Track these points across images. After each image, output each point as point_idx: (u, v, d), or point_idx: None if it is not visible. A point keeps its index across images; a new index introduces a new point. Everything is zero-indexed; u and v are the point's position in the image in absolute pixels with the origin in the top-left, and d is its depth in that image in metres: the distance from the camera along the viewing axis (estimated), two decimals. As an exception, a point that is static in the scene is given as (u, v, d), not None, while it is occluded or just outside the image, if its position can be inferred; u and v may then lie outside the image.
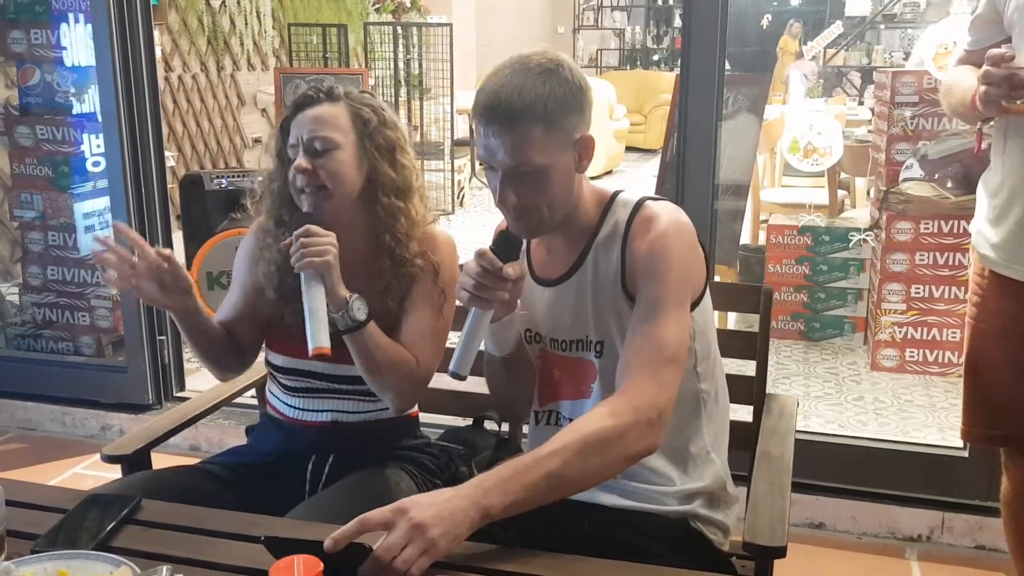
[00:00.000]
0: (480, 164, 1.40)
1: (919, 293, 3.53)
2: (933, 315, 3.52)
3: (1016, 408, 1.67)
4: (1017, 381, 1.63)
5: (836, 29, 2.84)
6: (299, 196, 1.56)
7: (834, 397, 3.38)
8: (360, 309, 1.51)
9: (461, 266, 1.57)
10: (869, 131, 4.53)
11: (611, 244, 1.42)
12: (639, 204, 1.43)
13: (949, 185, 3.47)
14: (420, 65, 6.25)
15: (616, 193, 1.47)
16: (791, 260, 3.95)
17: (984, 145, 1.67)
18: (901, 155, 3.59)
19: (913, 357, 3.57)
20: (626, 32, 12.79)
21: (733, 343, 1.86)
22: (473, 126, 1.39)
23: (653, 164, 8.49)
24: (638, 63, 12.19)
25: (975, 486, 2.41)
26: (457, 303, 1.49)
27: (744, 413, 1.75)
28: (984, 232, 1.64)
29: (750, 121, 3.96)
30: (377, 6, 6.44)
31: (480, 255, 1.36)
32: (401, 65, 6.13)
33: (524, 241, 1.48)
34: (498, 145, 1.32)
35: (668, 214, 1.40)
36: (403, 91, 6.20)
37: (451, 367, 1.39)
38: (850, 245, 3.81)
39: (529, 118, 1.31)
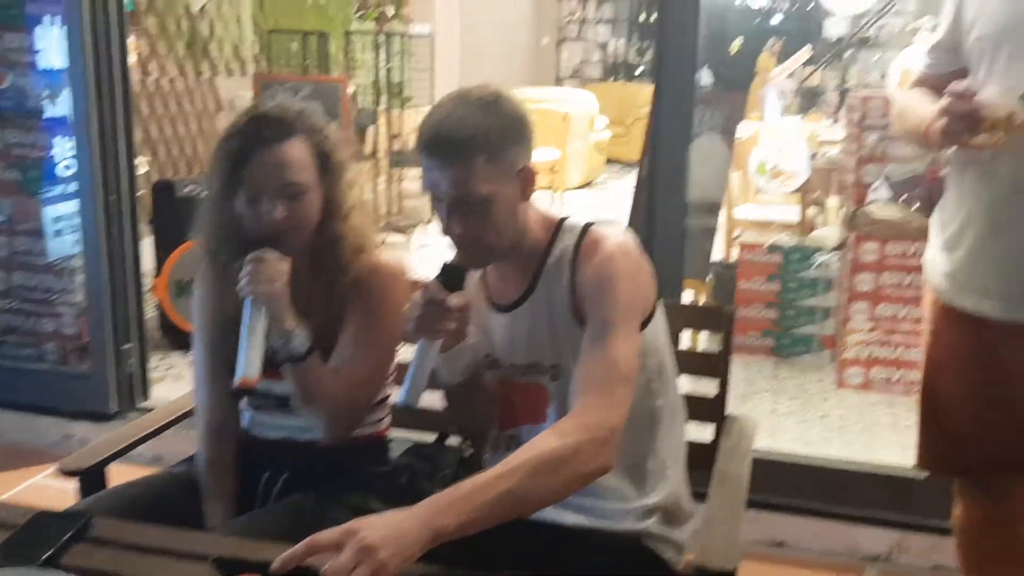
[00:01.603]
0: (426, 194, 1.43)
1: (885, 313, 3.58)
2: (898, 335, 3.57)
3: (969, 439, 1.67)
4: (969, 413, 1.63)
5: (804, 54, 2.88)
6: (262, 235, 1.52)
7: (801, 414, 3.42)
8: (302, 342, 1.51)
9: (416, 285, 1.59)
10: (842, 151, 4.60)
11: (560, 269, 1.46)
12: (585, 229, 1.47)
13: (915, 207, 3.52)
14: (402, 74, 6.26)
15: (563, 219, 1.51)
16: (762, 277, 3.98)
17: (942, 172, 1.69)
18: (869, 176, 3.65)
19: (879, 376, 3.61)
20: (609, 45, 12.85)
21: (697, 363, 1.90)
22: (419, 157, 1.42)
23: (634, 175, 8.55)
24: (621, 76, 12.25)
25: (933, 506, 2.44)
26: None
27: (708, 432, 1.77)
28: (936, 261, 1.65)
29: (724, 139, 4.00)
30: (360, 14, 6.45)
31: (424, 287, 1.39)
32: (383, 74, 6.14)
33: (474, 270, 1.51)
34: (442, 176, 1.36)
35: (614, 237, 1.44)
36: (384, 99, 6.21)
37: (399, 398, 1.42)
38: (812, 268, 3.85)
39: (472, 149, 1.34)
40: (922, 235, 3.39)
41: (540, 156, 6.99)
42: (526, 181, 1.42)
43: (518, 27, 11.15)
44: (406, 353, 1.56)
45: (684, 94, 2.68)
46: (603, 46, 12.80)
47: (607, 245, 1.43)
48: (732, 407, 1.81)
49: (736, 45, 10.82)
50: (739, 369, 3.84)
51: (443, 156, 1.35)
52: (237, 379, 1.42)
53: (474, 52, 8.92)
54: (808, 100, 9.53)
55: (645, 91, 10.42)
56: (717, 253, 4.73)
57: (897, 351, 3.59)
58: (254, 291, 1.47)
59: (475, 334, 1.51)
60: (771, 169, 2.82)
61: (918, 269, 3.50)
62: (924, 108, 1.58)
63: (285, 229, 1.51)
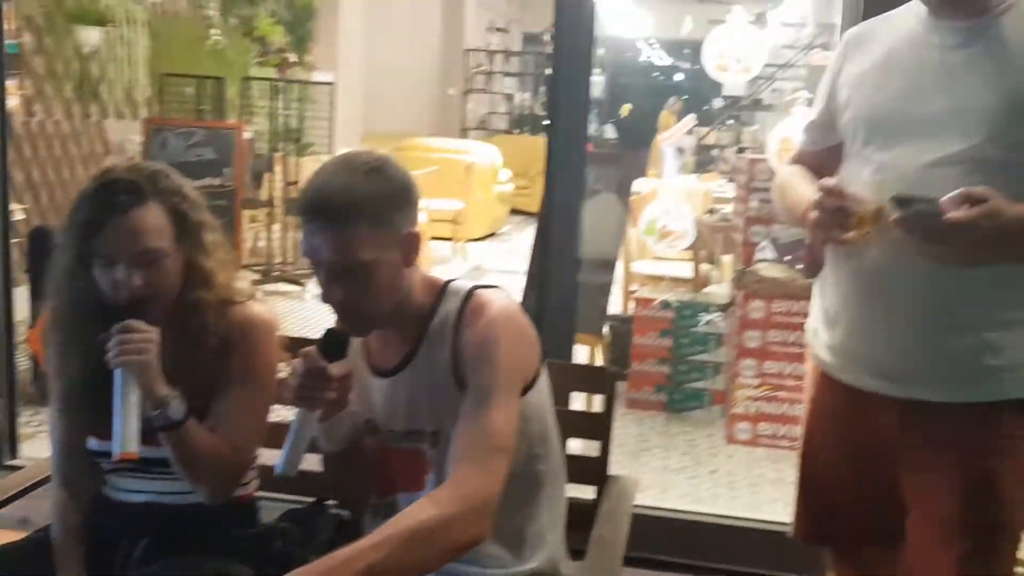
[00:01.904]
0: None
1: (771, 369, 3.69)
2: (784, 390, 3.68)
3: (842, 509, 1.68)
4: (843, 482, 1.64)
5: (689, 121, 2.99)
6: (121, 304, 1.47)
7: (692, 470, 3.47)
8: (178, 409, 1.47)
9: (290, 342, 1.55)
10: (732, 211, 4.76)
11: (443, 334, 1.45)
12: (470, 293, 1.46)
13: (799, 267, 3.66)
14: (301, 121, 6.21)
15: (448, 282, 1.50)
16: (655, 333, 4.06)
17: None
18: (756, 236, 3.78)
19: (765, 431, 3.70)
20: (516, 97, 13.08)
21: (581, 424, 1.90)
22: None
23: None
24: (527, 128, 12.46)
25: (812, 564, 2.49)
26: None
27: (590, 491, 1.77)
28: (818, 333, 1.66)
29: (620, 195, 4.10)
30: (260, 60, 6.38)
31: (304, 355, 1.36)
32: (281, 120, 6.08)
33: (356, 337, 1.49)
34: (322, 242, 1.35)
35: (497, 302, 1.44)
36: (282, 146, 6.14)
37: (277, 468, 1.38)
38: (699, 325, 3.95)
39: (354, 215, 1.33)
40: (805, 294, 3.54)
41: (442, 206, 7.03)
42: (410, 247, 1.41)
43: (424, 77, 11.24)
44: (284, 413, 1.53)
45: (576, 149, 2.72)
46: (509, 98, 13.03)
47: (490, 310, 1.43)
48: (624, 464, 1.82)
49: (625, 110, 11.19)
50: (632, 425, 3.88)
51: (324, 221, 1.34)
52: (116, 453, 1.39)
53: (378, 100, 8.93)
54: (706, 158, 9.89)
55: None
56: (616, 307, 4.81)
57: (783, 407, 3.69)
58: (124, 363, 1.42)
59: (355, 400, 1.49)
60: (660, 229, 2.89)
61: (802, 327, 3.66)
62: (800, 189, 1.61)
63: (144, 297, 1.47)
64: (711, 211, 6.23)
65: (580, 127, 2.72)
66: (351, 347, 1.46)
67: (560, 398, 2.18)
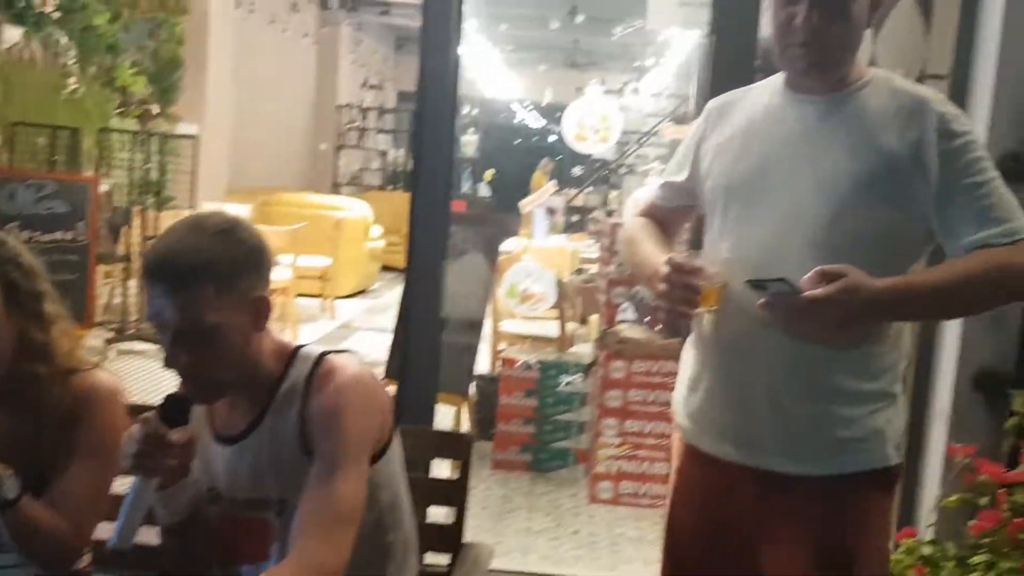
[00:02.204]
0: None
1: (632, 428, 3.76)
2: (644, 449, 3.75)
3: None
4: (708, 556, 1.62)
5: (550, 188, 3.07)
6: None
7: (554, 531, 3.47)
8: (11, 487, 1.40)
9: (134, 409, 1.48)
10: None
11: (291, 400, 1.42)
12: (319, 359, 1.44)
13: (659, 328, 3.77)
14: (162, 174, 6.02)
15: (299, 348, 1.48)
16: (521, 392, 4.08)
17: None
18: (619, 298, 3.88)
19: (627, 490, 3.76)
20: (389, 154, 13.11)
21: (435, 491, 1.88)
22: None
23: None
24: (400, 185, 12.47)
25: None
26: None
27: (444, 559, 1.74)
28: (681, 401, 1.67)
29: (488, 255, 4.13)
30: (121, 111, 6.17)
31: (142, 421, 1.31)
32: (140, 173, 5.88)
33: (201, 404, 1.45)
34: (168, 304, 1.31)
35: (347, 369, 1.43)
36: (141, 200, 5.93)
37: (111, 541, 1.31)
38: (563, 385, 4.00)
39: (202, 278, 1.31)
40: (665, 354, 3.67)
41: (310, 263, 6.91)
42: (259, 311, 1.39)
43: (296, 131, 11.14)
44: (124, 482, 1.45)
45: (439, 209, 2.74)
46: (383, 155, 13.05)
47: (340, 377, 1.41)
48: (486, 527, 1.80)
49: (488, 175, 11.41)
50: (497, 486, 3.87)
51: (169, 284, 1.31)
52: None
53: (246, 154, 8.77)
54: (577, 219, 10.14)
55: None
56: (484, 367, 4.82)
57: (643, 465, 3.76)
58: None
59: (197, 468, 1.43)
60: (521, 292, 2.93)
61: (662, 386, 3.77)
62: (647, 248, 1.63)
63: None
64: (579, 271, 6.39)
65: (443, 187, 2.75)
66: (195, 412, 1.41)
67: (421, 465, 2.17)
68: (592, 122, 2.86)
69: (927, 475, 2.51)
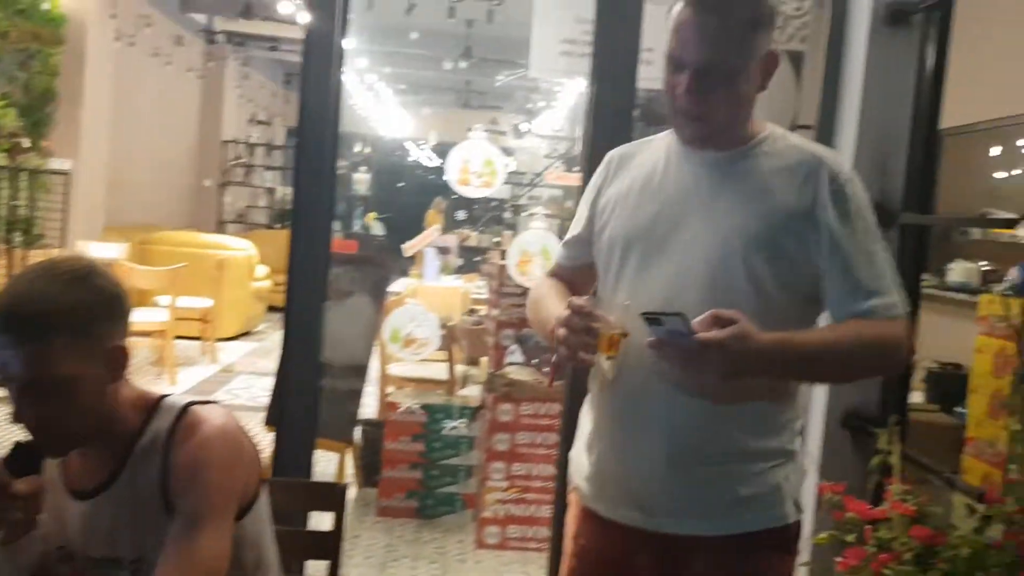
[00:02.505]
0: None
1: (519, 471, 3.74)
2: (532, 492, 3.74)
3: None
4: None
5: (433, 232, 3.07)
6: None
7: (439, 579, 3.41)
8: None
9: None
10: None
11: (152, 454, 1.35)
12: (184, 410, 1.38)
13: (546, 370, 3.78)
14: (32, 210, 5.73)
15: (162, 398, 1.41)
16: (407, 437, 4.01)
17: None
18: (507, 340, 3.88)
19: (514, 534, 3.73)
20: (277, 191, 12.87)
21: (313, 544, 1.82)
22: None
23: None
24: (287, 223, 12.24)
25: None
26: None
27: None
28: (578, 462, 1.64)
29: (374, 297, 4.06)
30: (-12, 144, 5.85)
31: None
32: (8, 210, 5.58)
33: (52, 458, 1.37)
34: (14, 356, 1.23)
35: (212, 420, 1.37)
36: (9, 237, 5.62)
37: None
38: (450, 429, 3.96)
39: (52, 329, 1.24)
40: (553, 396, 3.68)
41: (190, 304, 6.67)
42: (116, 361, 1.33)
43: (178, 167, 10.81)
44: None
45: (318, 250, 2.66)
46: (271, 192, 12.79)
47: (204, 429, 1.35)
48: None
49: (370, 218, 11.35)
50: (381, 534, 3.78)
51: (15, 335, 1.23)
52: None
53: (125, 190, 8.45)
54: (471, 259, 10.14)
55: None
56: (372, 411, 4.73)
57: (531, 509, 3.74)
58: None
59: (47, 523, 1.34)
60: (404, 337, 2.89)
61: (550, 428, 3.78)
62: (551, 304, 1.61)
63: None
64: (472, 311, 6.37)
65: (323, 226, 2.67)
66: (47, 462, 1.33)
67: (298, 517, 2.09)
68: (476, 167, 2.86)
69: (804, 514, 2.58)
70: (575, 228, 1.73)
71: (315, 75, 2.59)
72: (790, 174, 1.47)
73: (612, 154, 1.68)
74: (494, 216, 11.79)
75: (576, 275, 1.73)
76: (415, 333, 2.95)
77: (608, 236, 1.59)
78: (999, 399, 2.32)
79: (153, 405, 1.39)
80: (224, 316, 7.48)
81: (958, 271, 5.62)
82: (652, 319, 1.31)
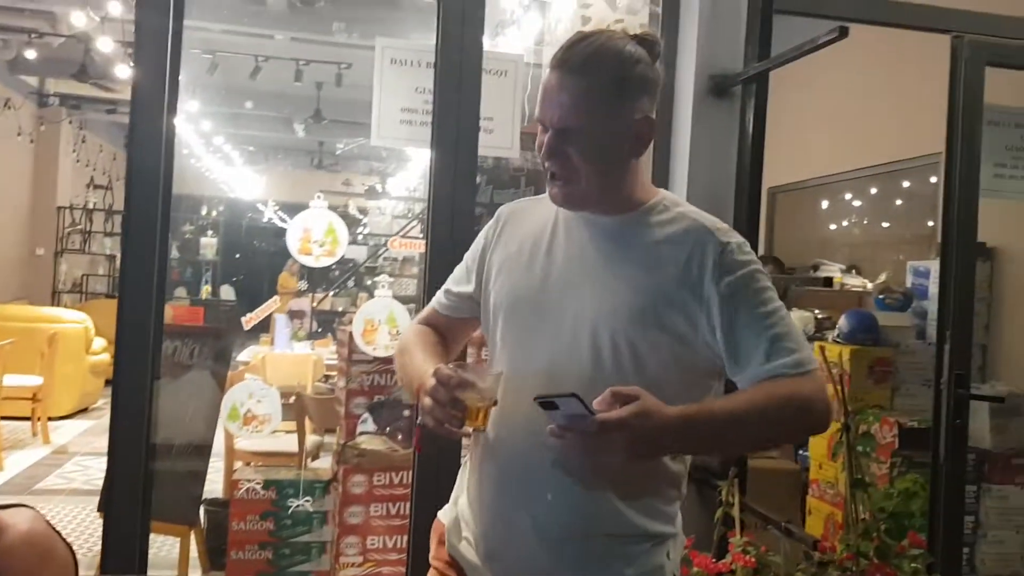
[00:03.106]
0: None
1: (374, 544, 3.61)
2: (388, 565, 3.61)
3: None
4: None
5: (272, 304, 2.98)
6: None
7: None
8: None
9: None
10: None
11: None
12: None
13: (400, 438, 3.69)
14: None
15: None
16: (255, 516, 3.81)
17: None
18: (358, 409, 3.77)
19: (371, 612, 3.58)
20: (117, 258, 12.27)
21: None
22: None
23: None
24: (131, 291, 11.66)
25: None
26: None
27: None
28: (448, 535, 1.59)
29: (216, 371, 3.88)
30: None
31: None
32: None
33: None
34: None
35: (16, 527, 1.23)
36: None
37: None
38: (301, 504, 3.79)
39: None
40: (406, 465, 3.59)
41: (18, 382, 6.20)
42: None
43: (8, 236, 10.14)
44: None
45: (149, 321, 2.49)
46: (111, 259, 12.17)
47: (6, 538, 1.21)
48: None
49: (204, 292, 11.04)
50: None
51: None
52: None
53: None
54: (325, 325, 9.89)
55: (156, 309, 10.05)
56: (219, 488, 4.48)
57: (387, 583, 3.61)
58: None
59: None
60: (243, 414, 2.76)
61: (404, 498, 3.68)
62: (419, 360, 1.54)
63: None
64: (327, 377, 6.18)
65: (154, 296, 2.51)
66: None
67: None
68: (318, 236, 2.79)
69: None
70: (460, 282, 1.67)
71: (143, 137, 2.48)
72: (678, 246, 1.44)
73: (503, 210, 1.65)
74: (350, 278, 11.62)
75: (452, 325, 1.68)
76: (255, 410, 2.81)
77: (494, 298, 1.56)
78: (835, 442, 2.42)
79: None
80: (57, 393, 7.00)
81: (795, 319, 5.93)
82: (546, 403, 1.24)
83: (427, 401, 1.39)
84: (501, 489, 1.48)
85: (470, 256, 1.67)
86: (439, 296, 1.72)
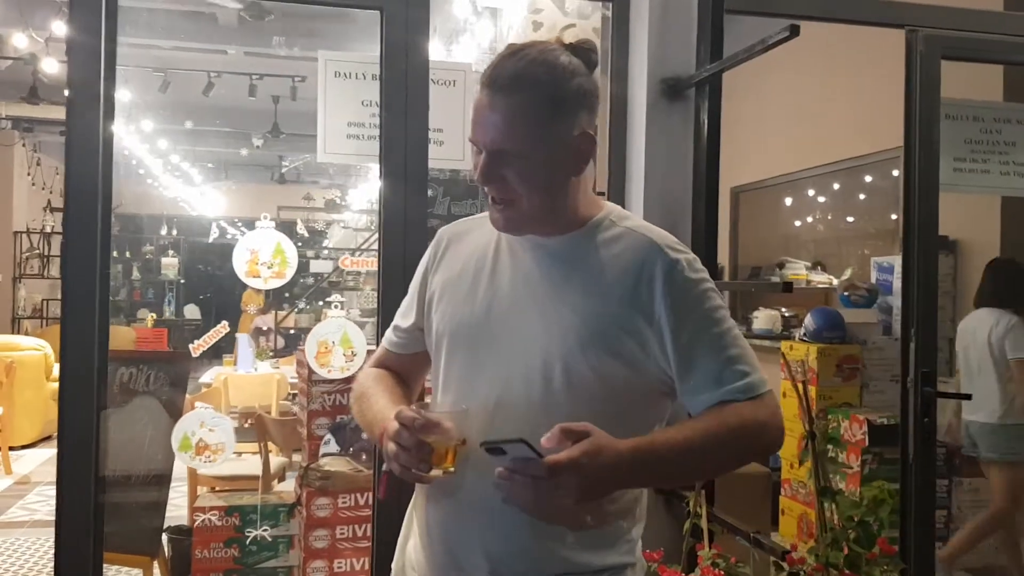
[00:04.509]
0: None
1: (341, 567, 3.52)
2: (357, 590, 3.53)
3: None
4: None
5: (222, 329, 2.88)
6: None
7: None
8: None
9: None
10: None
11: None
12: None
13: (364, 458, 3.61)
14: None
15: None
16: (219, 543, 3.70)
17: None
18: (321, 430, 3.68)
19: (341, 638, 3.49)
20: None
21: None
22: None
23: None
24: (93, 314, 11.44)
25: None
26: None
27: None
28: (399, 570, 1.55)
29: (173, 397, 3.77)
30: None
31: None
32: None
33: None
34: None
35: None
36: None
37: None
38: (266, 529, 3.69)
39: None
40: (370, 485, 3.50)
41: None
42: None
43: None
44: None
45: (93, 346, 2.39)
46: (72, 283, 11.96)
47: None
48: None
49: (150, 320, 10.87)
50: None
51: None
52: None
53: None
54: (290, 343, 9.75)
55: (122, 331, 9.83)
56: (182, 515, 4.37)
57: (356, 608, 3.52)
58: None
59: None
60: (195, 444, 2.66)
61: (368, 519, 3.59)
62: (379, 404, 1.47)
63: None
64: (292, 395, 6.06)
65: (97, 321, 2.41)
66: None
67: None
68: (265, 257, 2.70)
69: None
70: (406, 314, 1.59)
71: (78, 155, 2.39)
72: (626, 265, 1.37)
73: (442, 233, 1.57)
74: (313, 294, 11.47)
75: (406, 363, 1.60)
76: (206, 439, 2.71)
77: (436, 325, 1.48)
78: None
79: None
80: (18, 422, 6.83)
81: (762, 319, 5.91)
82: (493, 449, 1.19)
83: (391, 447, 1.32)
84: (453, 531, 1.41)
85: (412, 285, 1.59)
86: (389, 334, 1.64)
